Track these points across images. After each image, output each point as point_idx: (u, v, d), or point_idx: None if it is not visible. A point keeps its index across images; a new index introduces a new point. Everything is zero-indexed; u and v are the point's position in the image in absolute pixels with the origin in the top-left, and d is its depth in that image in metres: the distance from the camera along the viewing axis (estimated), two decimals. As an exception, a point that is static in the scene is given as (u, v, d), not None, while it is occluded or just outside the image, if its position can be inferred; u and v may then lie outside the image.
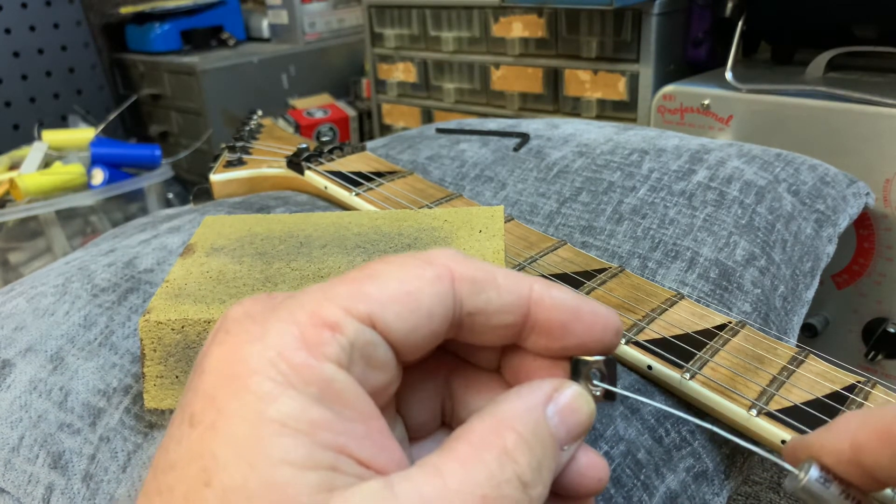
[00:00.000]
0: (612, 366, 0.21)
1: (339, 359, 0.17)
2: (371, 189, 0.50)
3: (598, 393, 0.21)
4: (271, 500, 0.15)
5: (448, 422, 0.23)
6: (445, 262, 0.19)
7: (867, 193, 0.58)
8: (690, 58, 0.92)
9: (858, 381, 0.32)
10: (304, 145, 0.57)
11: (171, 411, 0.33)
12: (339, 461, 0.16)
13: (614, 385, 0.21)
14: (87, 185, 1.07)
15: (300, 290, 0.18)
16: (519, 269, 0.40)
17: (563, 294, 0.20)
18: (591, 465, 0.20)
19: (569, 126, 0.63)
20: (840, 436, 0.19)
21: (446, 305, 0.19)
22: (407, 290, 0.18)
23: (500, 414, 0.18)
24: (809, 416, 0.30)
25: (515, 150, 0.59)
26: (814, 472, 0.19)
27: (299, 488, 0.15)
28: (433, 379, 0.22)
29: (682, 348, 0.34)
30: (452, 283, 0.19)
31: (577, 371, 0.21)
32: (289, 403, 0.16)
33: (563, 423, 0.19)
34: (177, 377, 0.31)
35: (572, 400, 0.20)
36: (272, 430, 0.15)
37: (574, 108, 0.97)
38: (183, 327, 0.30)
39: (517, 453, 0.17)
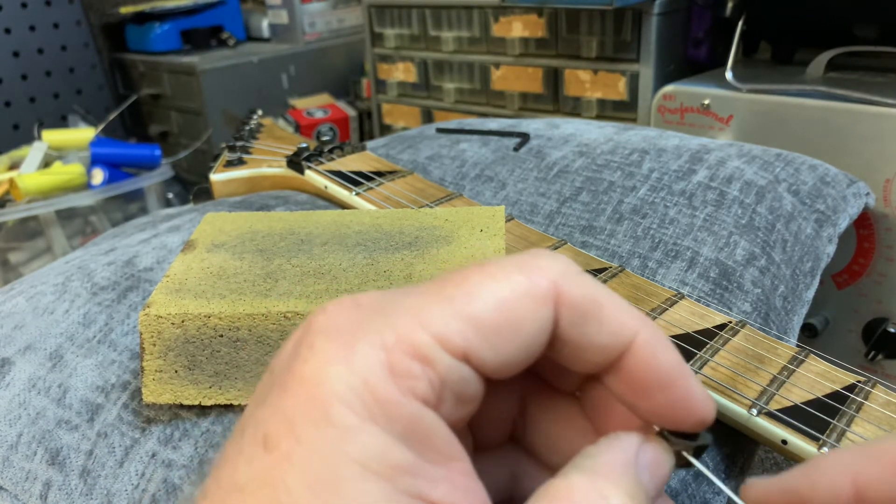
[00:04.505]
0: (702, 451, 0.19)
1: (427, 397, 0.16)
2: (371, 188, 0.50)
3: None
4: None
5: (517, 437, 0.22)
6: (554, 277, 0.17)
7: (867, 193, 0.58)
8: (690, 58, 0.92)
9: (859, 381, 0.31)
10: (304, 145, 0.57)
11: (170, 406, 0.33)
12: None
13: (698, 460, 0.19)
14: (87, 185, 1.07)
15: (390, 303, 0.17)
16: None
17: (666, 357, 0.18)
18: None
19: (569, 126, 0.63)
20: (836, 476, 0.16)
21: (546, 330, 0.17)
22: (507, 317, 0.16)
23: (599, 469, 0.17)
24: (810, 415, 0.30)
25: (515, 149, 0.59)
26: None
27: None
28: (509, 396, 0.21)
29: (683, 348, 0.34)
30: (556, 306, 0.17)
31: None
32: (370, 442, 0.15)
33: (651, 478, 0.18)
34: (176, 371, 0.31)
35: (658, 454, 0.18)
36: (351, 471, 0.15)
37: (574, 107, 0.97)
38: (183, 322, 0.30)
39: None
